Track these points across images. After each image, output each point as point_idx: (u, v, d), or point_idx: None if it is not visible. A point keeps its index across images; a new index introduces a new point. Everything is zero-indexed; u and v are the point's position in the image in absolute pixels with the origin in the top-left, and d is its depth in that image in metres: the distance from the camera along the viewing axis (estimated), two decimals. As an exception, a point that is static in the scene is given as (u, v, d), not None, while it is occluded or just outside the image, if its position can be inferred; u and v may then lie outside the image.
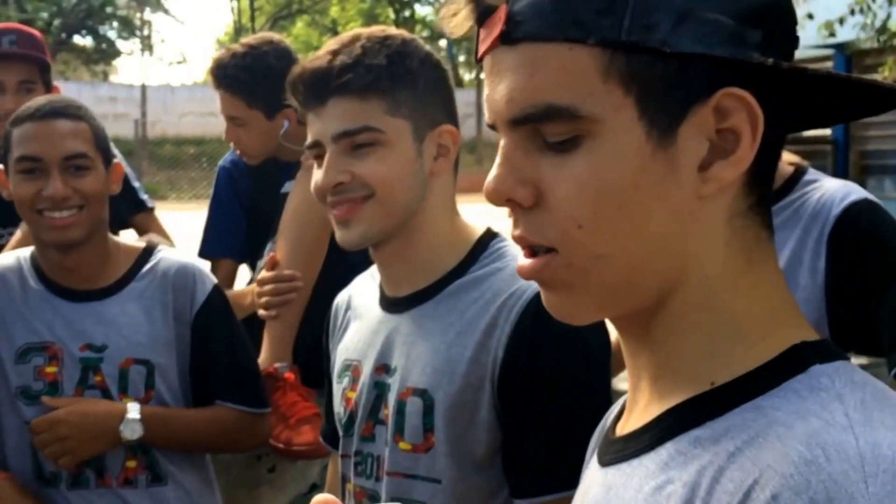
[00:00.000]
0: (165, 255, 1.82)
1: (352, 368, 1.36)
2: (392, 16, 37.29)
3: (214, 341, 1.77)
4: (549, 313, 0.69)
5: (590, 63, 0.58)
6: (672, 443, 0.61)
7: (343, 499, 1.37)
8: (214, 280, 1.83)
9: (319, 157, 1.28)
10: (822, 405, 0.56)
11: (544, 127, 0.60)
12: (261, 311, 2.08)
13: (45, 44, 2.62)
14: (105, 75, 34.59)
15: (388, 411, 1.27)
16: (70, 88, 26.76)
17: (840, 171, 11.67)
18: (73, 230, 1.66)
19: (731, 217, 0.62)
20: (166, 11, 40.50)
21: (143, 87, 25.18)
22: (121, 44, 34.94)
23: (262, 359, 2.09)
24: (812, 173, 1.64)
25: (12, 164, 1.68)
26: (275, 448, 2.00)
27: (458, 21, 0.64)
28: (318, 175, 1.28)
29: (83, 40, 34.29)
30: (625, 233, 0.60)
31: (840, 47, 10.60)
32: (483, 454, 1.21)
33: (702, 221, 0.61)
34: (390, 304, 1.33)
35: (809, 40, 9.33)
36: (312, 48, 40.08)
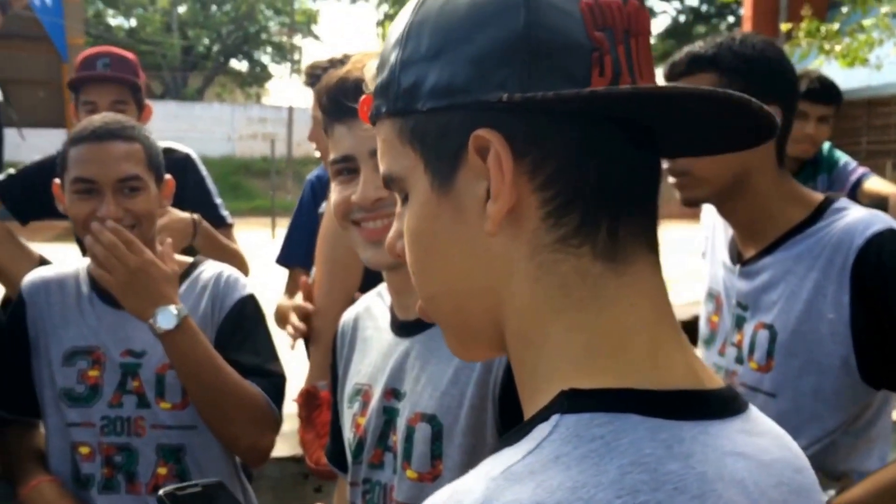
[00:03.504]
0: (208, 267, 1.86)
1: (362, 393, 1.33)
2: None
3: (237, 344, 1.78)
4: None
5: (392, 132, 0.65)
6: None
7: None
8: (248, 290, 1.85)
9: (347, 172, 1.26)
10: (511, 453, 0.56)
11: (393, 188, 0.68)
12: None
13: (138, 66, 2.78)
14: (258, 97, 36.25)
15: (397, 437, 1.24)
16: (224, 110, 28.23)
17: None
18: None
19: (535, 252, 0.61)
20: (316, 37, 42.11)
21: (290, 109, 26.16)
22: (273, 68, 36.68)
23: (306, 379, 2.10)
24: (842, 202, 1.55)
25: (68, 182, 1.75)
26: (308, 467, 2.00)
27: None
28: (343, 191, 1.26)
29: (239, 64, 36.14)
30: (438, 274, 0.65)
31: None
32: None
33: (502, 258, 0.61)
34: (401, 327, 1.29)
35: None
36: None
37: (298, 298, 2.15)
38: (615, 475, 0.53)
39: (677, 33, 29.28)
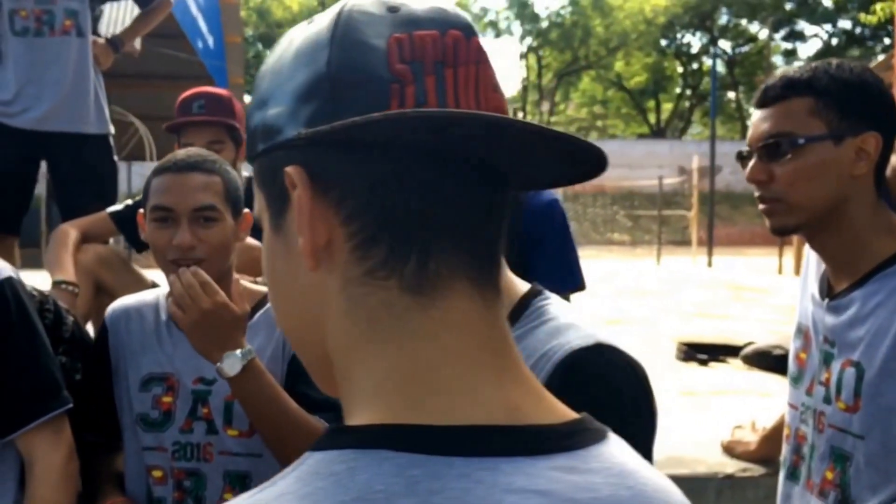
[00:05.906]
0: None
1: None
2: (679, 69, 36.68)
3: (307, 377, 1.76)
4: (580, 373, 0.97)
5: (254, 176, 0.68)
6: None
7: None
8: None
9: None
10: (251, 491, 0.55)
11: None
12: None
13: (234, 103, 2.84)
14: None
15: None
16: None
17: None
18: None
19: (345, 286, 0.60)
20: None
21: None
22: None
23: None
24: None
25: (149, 211, 1.82)
26: None
27: None
28: None
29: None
30: (283, 310, 0.67)
31: None
32: None
33: (322, 293, 0.62)
34: None
35: None
36: (597, 102, 40.60)
37: None
38: None
39: (830, 56, 28.15)
